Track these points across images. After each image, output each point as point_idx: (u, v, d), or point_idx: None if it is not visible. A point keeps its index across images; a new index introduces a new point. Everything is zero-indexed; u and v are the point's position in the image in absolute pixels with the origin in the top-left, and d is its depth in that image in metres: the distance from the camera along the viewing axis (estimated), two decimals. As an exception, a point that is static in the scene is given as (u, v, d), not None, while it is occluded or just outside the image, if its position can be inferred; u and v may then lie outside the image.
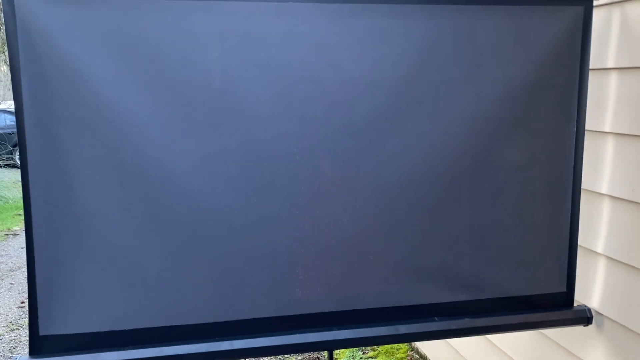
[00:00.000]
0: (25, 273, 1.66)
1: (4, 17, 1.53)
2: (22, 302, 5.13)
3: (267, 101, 1.71)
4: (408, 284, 1.91)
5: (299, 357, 3.90)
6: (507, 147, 1.91)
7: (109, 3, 1.58)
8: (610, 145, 2.03)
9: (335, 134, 1.77)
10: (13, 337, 4.47)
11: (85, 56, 1.58)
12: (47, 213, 1.64)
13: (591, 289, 2.13)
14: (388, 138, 1.81)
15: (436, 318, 1.94)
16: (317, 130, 1.76)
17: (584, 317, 2.05)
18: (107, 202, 1.67)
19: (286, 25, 1.69)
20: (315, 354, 3.92)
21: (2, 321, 4.75)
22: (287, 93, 1.72)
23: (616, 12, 1.97)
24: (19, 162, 1.61)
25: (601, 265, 2.09)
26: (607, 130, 2.03)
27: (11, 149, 12.70)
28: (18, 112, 1.58)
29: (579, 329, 2.15)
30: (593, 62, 2.00)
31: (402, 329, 1.90)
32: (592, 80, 2.00)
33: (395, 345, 3.88)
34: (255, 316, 1.82)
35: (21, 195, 1.65)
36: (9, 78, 1.57)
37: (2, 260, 6.37)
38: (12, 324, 4.70)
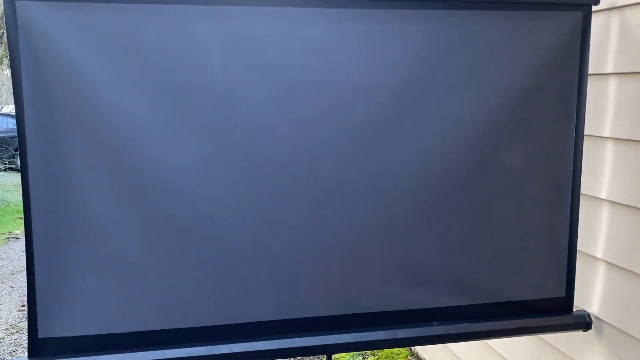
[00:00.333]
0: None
1: (5, 21, 1.54)
2: (23, 306, 5.13)
3: (266, 105, 1.72)
4: (407, 288, 1.91)
5: (299, 362, 3.90)
6: (506, 151, 1.91)
7: (110, 7, 1.59)
8: (609, 150, 2.03)
9: (334, 138, 1.78)
10: (13, 340, 4.47)
11: (86, 60, 1.59)
12: (47, 216, 1.64)
13: (591, 294, 2.13)
14: (388, 141, 1.81)
15: (435, 323, 1.94)
16: (317, 133, 1.77)
17: (584, 322, 2.05)
18: (107, 206, 1.67)
19: (286, 30, 1.71)
20: (314, 358, 3.91)
21: (2, 324, 4.75)
22: (287, 97, 1.73)
23: (615, 18, 1.98)
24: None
25: (601, 271, 2.09)
26: (606, 135, 2.03)
27: (13, 152, 12.71)
28: (19, 116, 1.59)
29: (578, 334, 2.14)
30: (592, 67, 2.01)
31: (401, 333, 1.90)
32: (591, 85, 2.01)
33: (395, 350, 3.88)
34: (255, 320, 1.82)
35: (22, 199, 1.66)
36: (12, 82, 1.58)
37: (3, 264, 6.38)
38: (13, 327, 4.70)
